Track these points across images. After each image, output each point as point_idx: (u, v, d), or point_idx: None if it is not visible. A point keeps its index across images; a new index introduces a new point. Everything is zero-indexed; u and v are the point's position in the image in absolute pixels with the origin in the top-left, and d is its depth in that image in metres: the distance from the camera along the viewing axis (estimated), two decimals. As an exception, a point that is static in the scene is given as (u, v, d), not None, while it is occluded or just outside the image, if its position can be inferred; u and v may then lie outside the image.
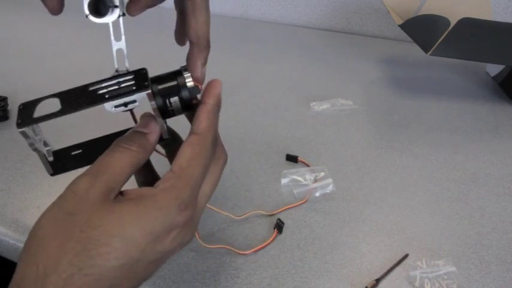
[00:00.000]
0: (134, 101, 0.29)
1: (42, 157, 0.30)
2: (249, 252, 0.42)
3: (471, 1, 0.76)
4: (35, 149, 0.30)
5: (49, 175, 0.31)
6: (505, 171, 0.55)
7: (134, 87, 0.29)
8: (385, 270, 0.40)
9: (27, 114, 0.29)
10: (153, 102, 0.29)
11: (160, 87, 0.30)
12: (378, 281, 0.39)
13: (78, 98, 0.29)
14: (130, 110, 0.31)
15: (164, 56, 0.77)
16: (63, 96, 0.30)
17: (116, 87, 0.29)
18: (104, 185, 0.26)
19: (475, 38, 0.62)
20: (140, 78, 0.29)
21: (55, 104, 0.29)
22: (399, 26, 0.69)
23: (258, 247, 0.42)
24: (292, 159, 0.55)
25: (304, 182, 0.50)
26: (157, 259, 0.27)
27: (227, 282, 0.39)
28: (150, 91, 0.28)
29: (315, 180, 0.51)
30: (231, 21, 1.11)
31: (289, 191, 0.50)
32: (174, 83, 0.30)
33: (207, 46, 0.32)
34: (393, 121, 0.66)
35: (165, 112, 0.31)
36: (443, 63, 0.86)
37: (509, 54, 0.65)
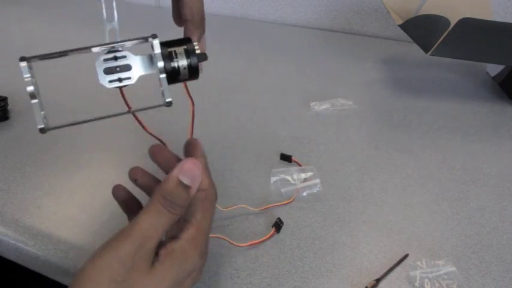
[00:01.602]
0: (129, 78, 0.30)
1: (36, 106, 0.30)
2: (246, 245, 0.42)
3: (471, 1, 0.76)
4: (32, 92, 0.29)
5: (39, 131, 0.30)
6: (505, 171, 0.55)
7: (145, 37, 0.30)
8: (385, 270, 0.40)
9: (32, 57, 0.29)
10: (161, 62, 0.30)
11: (169, 49, 0.31)
12: (378, 281, 0.39)
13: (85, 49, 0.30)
14: (122, 94, 0.32)
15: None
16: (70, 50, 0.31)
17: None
18: (148, 253, 0.28)
19: (475, 38, 0.62)
20: (150, 36, 0.30)
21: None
22: (399, 26, 0.69)
23: (255, 241, 0.42)
24: (286, 158, 0.55)
25: (292, 182, 0.51)
26: None
27: (227, 282, 0.39)
28: (157, 41, 0.30)
29: (304, 180, 0.51)
30: (231, 21, 1.11)
31: (277, 190, 0.50)
32: (183, 46, 0.31)
33: (202, 21, 0.34)
34: (393, 121, 0.66)
35: (171, 75, 0.31)
36: (443, 63, 0.86)
37: (509, 54, 0.65)
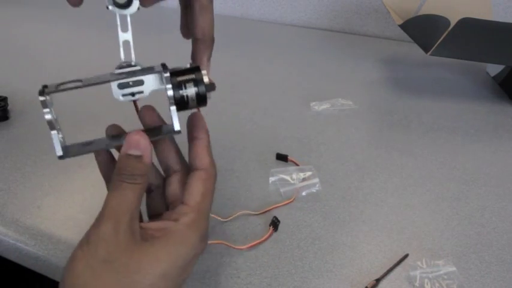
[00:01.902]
0: (142, 92, 0.31)
1: (56, 136, 0.31)
2: (246, 247, 0.42)
3: (471, 1, 0.76)
4: (51, 124, 0.30)
5: (57, 158, 0.31)
6: (505, 171, 0.55)
7: (157, 70, 0.31)
8: (385, 270, 0.40)
9: (49, 89, 0.31)
10: (171, 91, 0.31)
11: (179, 78, 0.32)
12: (378, 281, 0.39)
13: (99, 78, 0.31)
14: (134, 102, 0.33)
15: (164, 55, 0.77)
16: (84, 79, 0.31)
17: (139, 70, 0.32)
18: (127, 227, 0.28)
19: (475, 38, 0.62)
20: (160, 67, 0.31)
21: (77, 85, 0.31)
22: (399, 26, 0.69)
23: (254, 242, 0.42)
24: (282, 158, 0.55)
25: (291, 181, 0.51)
26: (182, 284, 0.30)
27: (227, 282, 0.39)
28: (168, 74, 0.30)
29: (302, 180, 0.51)
30: (231, 21, 1.11)
31: (276, 190, 0.50)
32: (191, 76, 0.32)
33: (212, 42, 0.35)
34: (393, 121, 0.66)
35: (180, 103, 0.32)
36: (443, 63, 0.86)
37: (509, 54, 0.65)
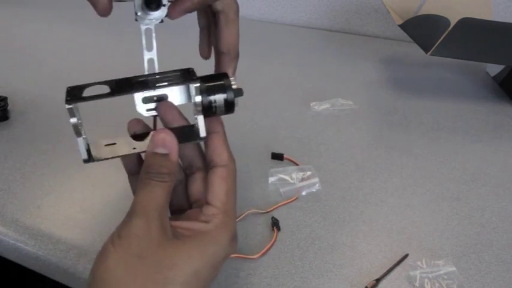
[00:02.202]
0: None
1: (82, 141, 0.31)
2: (258, 256, 0.42)
3: (471, 1, 0.76)
4: (78, 131, 0.30)
5: (83, 161, 0.31)
6: (505, 171, 0.55)
7: (183, 80, 0.30)
8: (385, 270, 0.40)
9: (75, 94, 0.30)
10: (199, 97, 0.30)
11: (207, 84, 0.31)
12: (377, 281, 0.39)
13: (126, 85, 0.30)
14: (154, 117, 0.33)
15: (167, 56, 0.77)
16: (110, 83, 0.31)
17: (165, 79, 0.31)
18: (159, 224, 0.28)
19: (475, 38, 0.62)
20: (187, 75, 0.31)
21: (103, 89, 0.30)
22: (399, 26, 0.69)
23: (266, 248, 0.42)
24: (277, 157, 0.55)
25: (291, 181, 0.51)
26: (210, 283, 0.30)
27: (227, 282, 0.39)
28: (198, 84, 0.30)
29: (302, 179, 0.51)
30: (231, 21, 1.11)
31: (275, 190, 0.50)
32: (220, 82, 0.32)
33: (237, 56, 0.35)
34: (393, 121, 0.66)
35: (208, 110, 0.32)
36: (443, 63, 0.86)
37: (509, 54, 0.65)
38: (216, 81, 0.32)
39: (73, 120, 0.30)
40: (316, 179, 0.51)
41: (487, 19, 0.62)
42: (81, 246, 0.42)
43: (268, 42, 0.97)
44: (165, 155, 0.30)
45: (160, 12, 0.30)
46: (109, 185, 0.51)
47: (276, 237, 0.44)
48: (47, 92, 0.70)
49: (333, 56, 0.90)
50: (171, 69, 0.32)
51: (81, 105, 0.29)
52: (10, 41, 0.96)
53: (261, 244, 0.43)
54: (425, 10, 0.78)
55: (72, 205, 0.48)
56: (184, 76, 0.31)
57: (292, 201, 0.48)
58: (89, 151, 0.31)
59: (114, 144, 0.32)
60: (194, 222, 0.31)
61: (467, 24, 0.59)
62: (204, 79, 0.32)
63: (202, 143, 0.34)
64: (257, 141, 0.60)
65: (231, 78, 0.32)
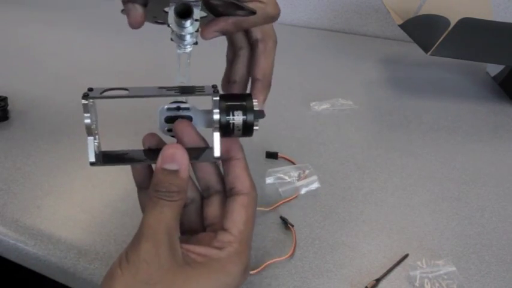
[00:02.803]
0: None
1: (91, 142, 0.30)
2: (289, 255, 0.41)
3: (471, 1, 0.76)
4: (89, 129, 0.30)
5: (89, 164, 0.31)
6: (505, 171, 0.55)
7: (205, 92, 0.30)
8: (385, 270, 0.40)
9: (93, 93, 0.29)
10: (217, 114, 0.30)
11: (228, 103, 0.30)
12: (378, 281, 0.39)
13: (146, 90, 0.30)
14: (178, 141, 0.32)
15: (166, 59, 0.77)
16: (131, 88, 0.30)
17: (183, 89, 0.30)
18: (168, 248, 0.27)
19: (475, 38, 0.62)
20: (210, 89, 0.30)
21: (122, 93, 0.30)
22: (399, 26, 0.69)
23: (293, 246, 0.42)
24: (272, 156, 0.55)
25: (289, 180, 0.51)
26: None
27: (227, 282, 0.39)
28: (218, 98, 0.29)
29: (300, 177, 0.51)
30: (231, 21, 1.11)
31: (275, 190, 0.50)
32: (242, 102, 0.31)
33: (269, 85, 0.35)
34: (393, 121, 0.66)
35: (225, 128, 0.30)
36: (443, 63, 0.86)
37: (509, 54, 0.65)
38: (238, 100, 0.31)
39: (86, 116, 0.29)
40: (314, 177, 0.51)
41: (487, 19, 0.62)
42: (81, 246, 0.42)
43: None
44: (175, 172, 0.28)
45: (192, 28, 0.29)
46: (109, 185, 0.51)
47: (295, 234, 0.44)
48: (47, 92, 0.70)
49: (333, 56, 0.90)
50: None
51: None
52: (10, 41, 0.96)
53: (267, 244, 0.43)
54: (425, 10, 0.78)
55: (72, 205, 0.48)
56: (207, 89, 0.30)
57: (292, 199, 0.48)
58: (97, 154, 0.31)
59: (126, 154, 0.32)
60: (207, 248, 0.29)
61: (467, 24, 0.59)
62: (227, 97, 0.31)
63: (221, 166, 0.33)
64: (257, 141, 0.60)
65: (254, 101, 0.31)
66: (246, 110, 0.31)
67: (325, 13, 1.07)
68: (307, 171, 0.51)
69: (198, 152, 0.31)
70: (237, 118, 0.30)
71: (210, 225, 0.33)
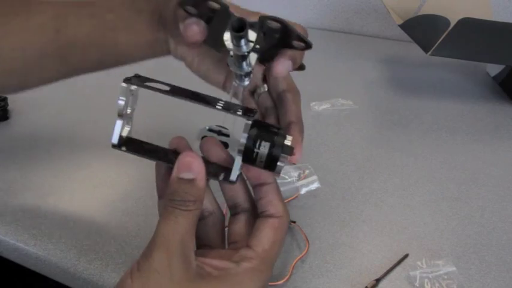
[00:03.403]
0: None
1: (119, 125, 0.30)
2: (306, 251, 0.42)
3: (471, 1, 0.76)
4: (120, 112, 0.29)
5: (111, 145, 0.30)
6: (505, 171, 0.55)
7: (239, 113, 0.29)
8: (385, 270, 0.40)
9: (137, 80, 0.29)
10: (245, 138, 0.29)
11: (258, 131, 0.30)
12: (378, 281, 0.39)
13: (187, 93, 0.30)
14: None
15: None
16: (174, 86, 0.30)
17: (224, 105, 0.30)
18: (181, 259, 0.26)
19: (475, 38, 0.62)
20: (248, 111, 0.29)
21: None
22: (399, 26, 0.69)
23: (305, 240, 0.42)
24: None
25: (289, 180, 0.51)
26: None
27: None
28: (250, 122, 0.29)
29: (299, 177, 0.51)
30: (231, 21, 1.11)
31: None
32: (273, 135, 0.30)
33: (303, 129, 0.36)
34: (393, 121, 0.66)
35: (249, 154, 0.29)
36: (443, 63, 0.86)
37: (509, 54, 0.65)
38: (271, 130, 0.30)
39: (121, 98, 0.29)
40: (314, 177, 0.51)
41: (487, 19, 0.62)
42: (81, 246, 0.42)
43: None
44: (191, 181, 0.28)
45: (246, 47, 0.29)
46: (109, 185, 0.51)
47: (301, 229, 0.44)
48: (47, 92, 0.70)
49: (333, 56, 0.90)
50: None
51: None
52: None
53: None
54: (425, 10, 0.77)
55: (72, 205, 0.48)
56: (244, 111, 0.29)
57: (292, 199, 0.48)
58: (122, 139, 0.30)
59: (150, 148, 0.31)
60: (224, 262, 0.28)
61: (467, 24, 0.59)
62: (261, 125, 0.30)
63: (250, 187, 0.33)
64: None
65: (288, 136, 0.30)
66: (275, 142, 0.30)
67: (325, 13, 1.06)
68: (307, 171, 0.51)
69: (216, 168, 0.31)
70: (263, 148, 0.29)
71: (234, 242, 0.32)
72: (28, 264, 0.44)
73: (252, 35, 0.29)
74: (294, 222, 0.44)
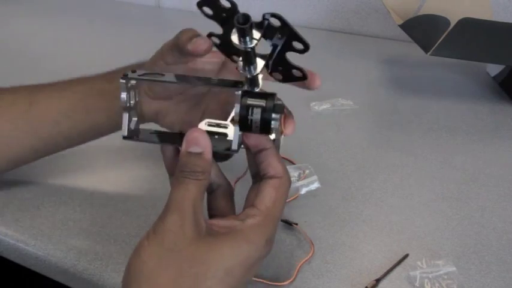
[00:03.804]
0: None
1: (126, 118, 0.33)
2: (311, 254, 0.42)
3: (471, 1, 0.76)
4: (124, 106, 0.33)
5: (122, 138, 0.33)
6: (505, 171, 0.55)
7: (229, 84, 0.32)
8: (385, 270, 0.40)
9: (132, 75, 0.32)
10: (238, 106, 0.31)
11: (249, 99, 0.32)
12: (378, 281, 0.39)
13: (179, 77, 0.33)
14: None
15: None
16: (167, 74, 0.34)
17: (216, 81, 0.34)
18: (192, 221, 0.29)
19: (475, 38, 0.62)
20: (237, 83, 0.32)
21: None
22: (399, 26, 0.69)
23: (310, 242, 0.42)
24: None
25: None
26: (245, 286, 0.31)
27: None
28: (240, 92, 0.31)
29: (300, 177, 0.51)
30: (231, 21, 1.11)
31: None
32: (263, 97, 0.32)
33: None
34: (393, 121, 0.66)
35: (244, 122, 0.32)
36: (443, 63, 0.86)
37: (509, 54, 0.65)
38: (261, 96, 0.32)
39: (123, 94, 0.32)
40: (314, 177, 0.51)
41: (487, 19, 0.62)
42: (81, 247, 0.42)
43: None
44: (199, 154, 0.30)
45: (250, 43, 0.31)
46: (109, 186, 0.51)
47: (303, 230, 0.44)
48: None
49: (333, 56, 0.90)
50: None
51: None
52: (9, 41, 0.96)
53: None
54: (425, 10, 0.77)
55: (72, 205, 0.48)
56: (234, 84, 0.32)
57: (292, 199, 0.48)
58: (131, 130, 0.33)
59: (159, 134, 0.34)
60: (230, 220, 0.31)
61: (467, 24, 0.59)
62: (250, 94, 0.32)
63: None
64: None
65: (279, 99, 0.32)
66: (266, 107, 0.32)
67: (325, 13, 1.06)
68: (307, 171, 0.51)
69: (218, 142, 0.33)
70: (256, 115, 0.31)
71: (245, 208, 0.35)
72: (28, 264, 0.44)
73: (257, 34, 0.31)
74: (296, 224, 0.44)
